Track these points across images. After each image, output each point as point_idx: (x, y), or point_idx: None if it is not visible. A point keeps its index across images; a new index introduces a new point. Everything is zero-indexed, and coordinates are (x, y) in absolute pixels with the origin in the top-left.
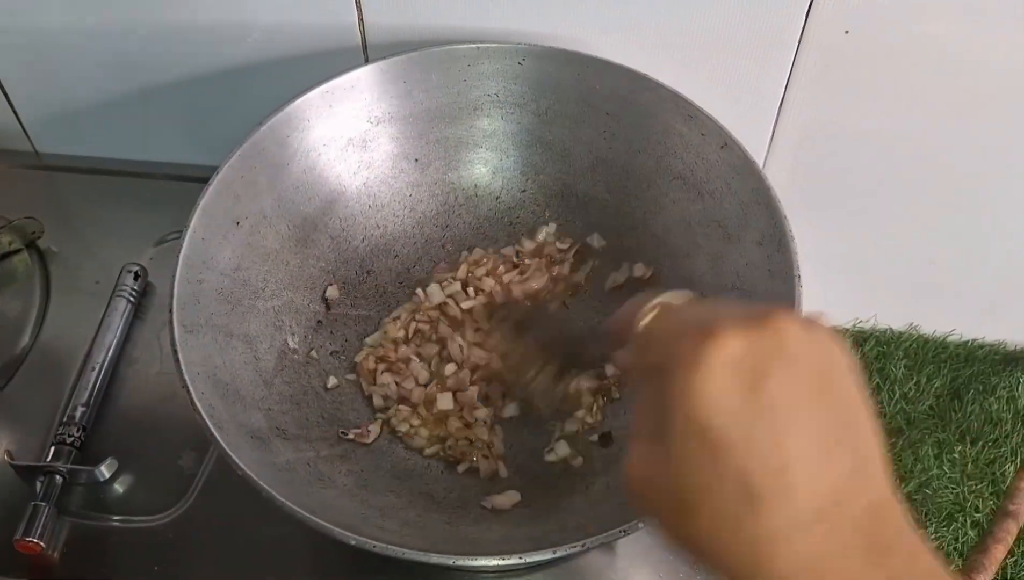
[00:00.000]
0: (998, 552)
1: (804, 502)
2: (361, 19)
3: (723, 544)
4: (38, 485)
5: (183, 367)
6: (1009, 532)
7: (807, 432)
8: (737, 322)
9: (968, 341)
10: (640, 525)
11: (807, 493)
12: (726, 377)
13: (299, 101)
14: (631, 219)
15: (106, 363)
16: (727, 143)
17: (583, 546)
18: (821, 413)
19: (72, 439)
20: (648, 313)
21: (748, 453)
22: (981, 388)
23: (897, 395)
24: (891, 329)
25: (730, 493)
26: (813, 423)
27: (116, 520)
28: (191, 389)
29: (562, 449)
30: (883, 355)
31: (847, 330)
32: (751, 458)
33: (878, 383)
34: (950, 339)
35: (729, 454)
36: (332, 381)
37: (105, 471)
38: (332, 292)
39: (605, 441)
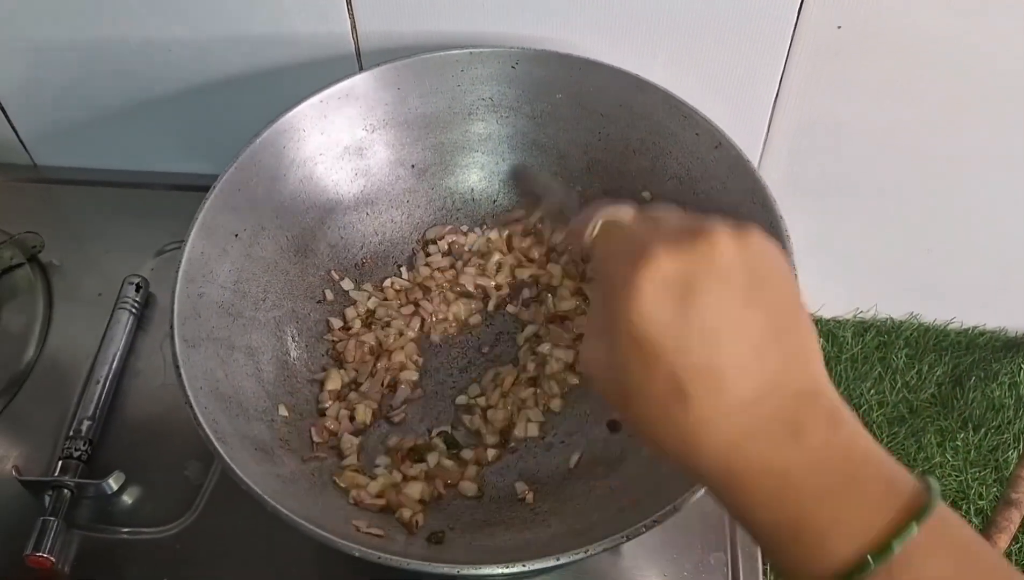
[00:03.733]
0: (1001, 541)
1: (730, 395)
2: (354, 27)
3: (657, 430)
4: (47, 499)
5: (186, 383)
6: (1012, 521)
7: (737, 335)
8: (670, 242)
9: (969, 329)
10: (643, 529)
11: (734, 387)
12: (657, 294)
13: (294, 112)
14: None
15: (110, 376)
16: (721, 143)
17: (586, 552)
18: (752, 317)
19: (79, 453)
20: (593, 229)
21: (677, 358)
22: (983, 375)
23: (899, 384)
24: (892, 319)
25: (661, 390)
26: (743, 327)
27: (125, 532)
28: (194, 405)
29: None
30: (884, 345)
31: (848, 320)
32: (680, 362)
33: (880, 373)
34: (951, 327)
35: (660, 359)
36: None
37: (113, 484)
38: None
39: (613, 427)
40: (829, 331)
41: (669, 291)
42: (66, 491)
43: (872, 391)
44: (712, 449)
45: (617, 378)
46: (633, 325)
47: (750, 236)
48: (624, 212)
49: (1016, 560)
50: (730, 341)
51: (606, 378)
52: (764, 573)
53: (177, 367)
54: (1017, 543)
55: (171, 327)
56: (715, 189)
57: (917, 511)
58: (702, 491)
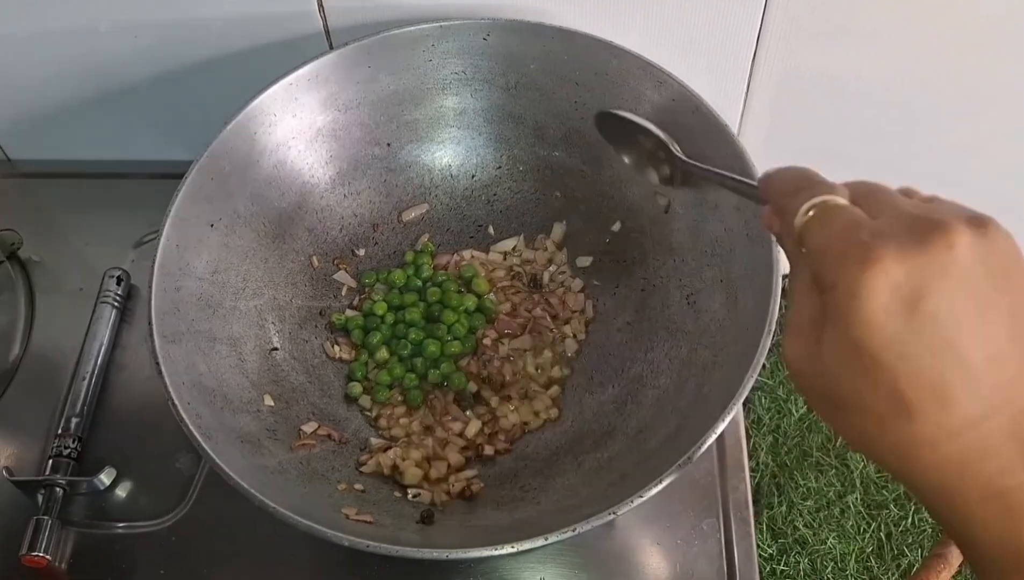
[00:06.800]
0: None
1: (959, 412)
2: (321, 5)
3: (871, 442)
4: (39, 499)
5: (167, 379)
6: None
7: (971, 346)
8: (900, 240)
9: None
10: (631, 504)
11: (964, 404)
12: (885, 304)
13: (263, 96)
14: (608, 189)
15: (96, 371)
16: (698, 107)
17: (574, 531)
18: (990, 324)
19: (69, 450)
20: (807, 210)
21: (903, 373)
22: None
23: None
24: None
25: (880, 404)
26: (979, 336)
27: (120, 527)
28: (176, 401)
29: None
30: None
31: None
32: (906, 377)
33: None
34: None
35: (883, 372)
36: (322, 376)
37: (105, 479)
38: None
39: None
40: None
41: (898, 299)
42: (58, 489)
43: None
44: (933, 469)
45: (828, 384)
46: (856, 334)
47: (990, 229)
48: (839, 190)
49: None
50: (964, 353)
51: (813, 381)
52: (756, 537)
53: (157, 364)
54: None
55: (150, 323)
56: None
57: None
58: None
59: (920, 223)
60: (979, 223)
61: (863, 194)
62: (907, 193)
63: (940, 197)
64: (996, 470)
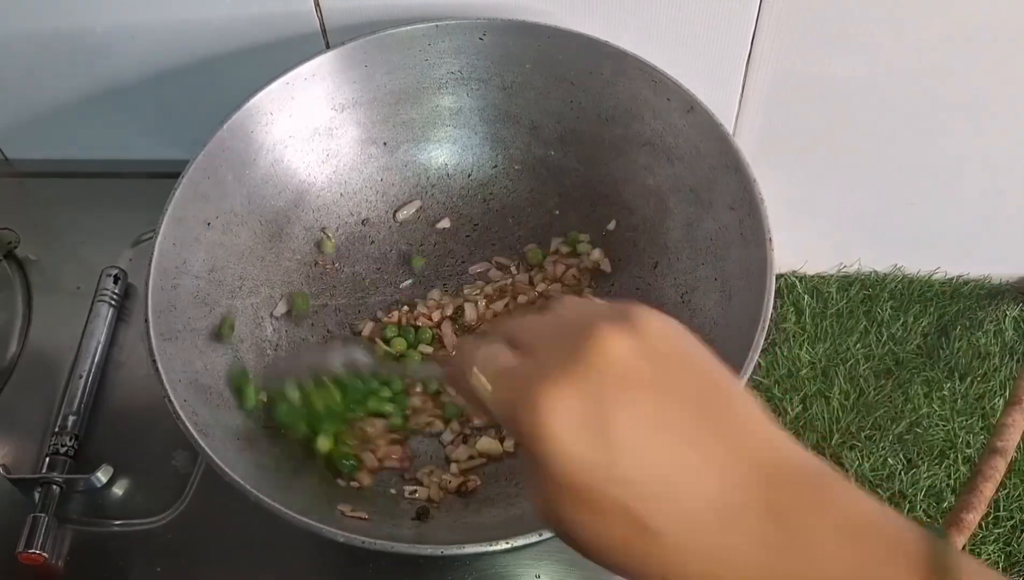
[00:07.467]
0: (987, 490)
1: (692, 504)
2: (317, 4)
3: (640, 572)
4: (36, 496)
5: (163, 377)
6: (997, 469)
7: (667, 437)
8: (557, 368)
9: (953, 278)
10: None
11: (692, 494)
12: (568, 433)
13: (260, 95)
14: (603, 188)
15: (93, 369)
16: (693, 107)
17: None
18: (671, 409)
19: (65, 448)
20: (480, 385)
21: (621, 491)
22: (968, 324)
23: (885, 337)
24: (876, 272)
25: (622, 532)
26: (668, 425)
27: (116, 525)
28: (173, 399)
29: None
30: (869, 298)
31: (832, 275)
32: (626, 494)
33: (865, 326)
34: (935, 277)
35: (604, 500)
36: None
37: (101, 477)
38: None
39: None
40: (814, 287)
41: (578, 422)
42: (55, 487)
43: (858, 345)
44: (699, 576)
45: (578, 533)
46: (560, 476)
47: (634, 319)
48: (492, 351)
49: (1003, 506)
50: (663, 446)
51: (569, 533)
52: None
53: (154, 362)
54: (1004, 489)
55: (146, 322)
56: (689, 154)
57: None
58: None
59: (566, 339)
60: (622, 318)
61: (510, 335)
62: (547, 311)
63: (573, 300)
64: (754, 549)
